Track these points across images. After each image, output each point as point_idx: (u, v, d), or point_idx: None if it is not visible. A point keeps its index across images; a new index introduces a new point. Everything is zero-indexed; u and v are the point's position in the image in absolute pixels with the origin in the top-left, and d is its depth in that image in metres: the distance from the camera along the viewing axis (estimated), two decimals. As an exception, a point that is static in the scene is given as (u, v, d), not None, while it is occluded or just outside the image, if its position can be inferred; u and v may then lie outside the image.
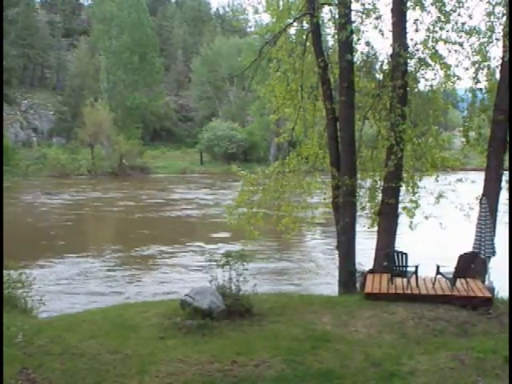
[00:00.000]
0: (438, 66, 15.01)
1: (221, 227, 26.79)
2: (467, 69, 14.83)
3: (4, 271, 12.46)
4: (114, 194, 51.72)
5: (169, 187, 58.14)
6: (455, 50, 14.69)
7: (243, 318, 11.27)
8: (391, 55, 14.62)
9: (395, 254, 13.35)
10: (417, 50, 14.85)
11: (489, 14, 14.48)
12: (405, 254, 13.19)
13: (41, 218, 37.86)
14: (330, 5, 15.93)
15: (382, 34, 14.72)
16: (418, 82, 15.44)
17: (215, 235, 29.56)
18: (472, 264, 13.49)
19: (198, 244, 27.53)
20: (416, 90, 15.54)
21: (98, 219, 39.90)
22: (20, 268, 13.91)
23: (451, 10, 14.56)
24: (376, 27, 14.76)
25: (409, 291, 12.90)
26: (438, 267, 13.38)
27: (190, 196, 50.17)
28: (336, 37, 15.16)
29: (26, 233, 32.66)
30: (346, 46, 14.48)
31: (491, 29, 14.48)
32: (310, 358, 9.27)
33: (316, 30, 15.70)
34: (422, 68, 15.12)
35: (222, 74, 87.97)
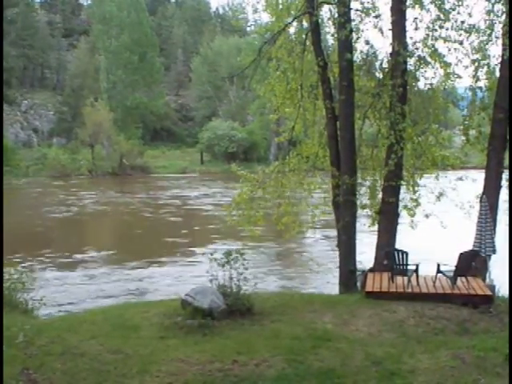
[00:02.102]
0: (437, 65, 15.01)
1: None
2: (467, 67, 14.83)
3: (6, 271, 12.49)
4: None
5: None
6: (455, 49, 14.69)
7: (244, 318, 11.27)
8: (391, 54, 14.61)
9: (396, 253, 13.35)
10: (416, 49, 14.83)
11: (488, 12, 14.47)
12: (405, 252, 13.19)
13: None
14: (329, 4, 15.92)
15: (382, 33, 14.72)
16: (418, 81, 15.45)
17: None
18: (472, 262, 13.49)
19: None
20: (416, 89, 15.54)
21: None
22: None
23: (451, 9, 14.55)
24: (375, 26, 14.75)
25: (409, 290, 12.92)
26: (438, 266, 13.40)
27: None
28: (335, 36, 15.16)
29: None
30: (346, 44, 14.47)
31: (491, 27, 14.47)
32: (311, 357, 9.27)
33: (315, 29, 15.69)
34: (422, 66, 15.11)
35: (222, 74, 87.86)
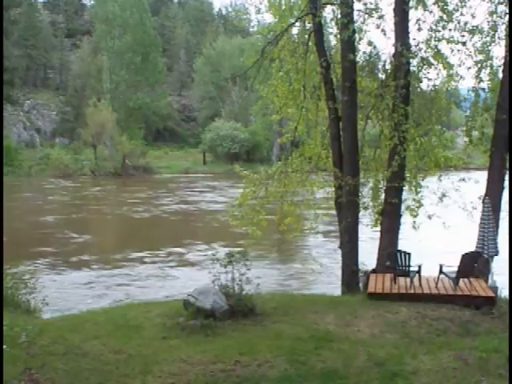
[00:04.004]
0: (440, 66, 15.00)
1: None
2: (470, 68, 14.85)
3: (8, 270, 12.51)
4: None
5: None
6: (458, 50, 14.71)
7: (246, 318, 11.27)
8: (394, 55, 14.62)
9: (398, 254, 13.34)
10: (419, 50, 14.83)
11: (491, 14, 14.49)
12: (408, 253, 13.17)
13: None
14: (332, 4, 15.91)
15: (385, 34, 14.72)
16: (421, 82, 15.41)
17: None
18: (475, 264, 13.48)
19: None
20: (419, 90, 15.50)
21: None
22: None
23: (454, 10, 14.57)
24: (378, 27, 14.75)
25: (412, 291, 12.91)
26: (440, 267, 13.39)
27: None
28: (338, 36, 15.14)
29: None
30: (349, 45, 14.47)
31: (494, 28, 14.48)
32: (313, 357, 9.26)
33: (318, 30, 15.69)
34: (425, 67, 15.09)
35: (225, 74, 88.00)
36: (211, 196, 49.46)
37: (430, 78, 15.39)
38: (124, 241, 30.62)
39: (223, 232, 28.47)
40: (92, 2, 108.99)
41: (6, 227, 33.99)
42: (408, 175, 15.51)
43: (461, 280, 13.13)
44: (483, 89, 15.21)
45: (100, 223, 37.64)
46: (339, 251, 15.69)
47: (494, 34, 14.48)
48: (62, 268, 22.60)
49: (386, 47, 15.34)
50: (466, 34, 14.59)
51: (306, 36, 16.38)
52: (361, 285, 14.74)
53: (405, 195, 15.44)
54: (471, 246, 13.75)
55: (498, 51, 14.95)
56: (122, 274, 21.46)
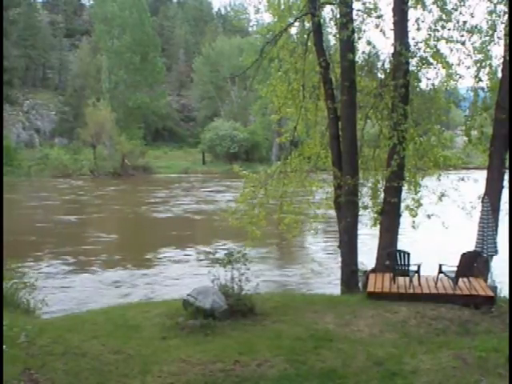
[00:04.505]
0: (439, 65, 14.99)
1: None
2: (469, 67, 14.82)
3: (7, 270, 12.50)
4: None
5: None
6: (457, 49, 14.70)
7: (245, 318, 11.27)
8: (393, 54, 14.60)
9: (397, 253, 13.34)
10: (418, 49, 14.82)
11: (490, 13, 14.48)
12: (407, 253, 13.17)
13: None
14: (331, 4, 15.91)
15: (384, 33, 14.72)
16: (420, 81, 15.41)
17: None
18: (474, 263, 13.48)
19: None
20: (418, 89, 15.50)
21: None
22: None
23: (453, 9, 14.56)
24: (377, 26, 14.76)
25: (411, 290, 12.91)
26: (440, 266, 13.39)
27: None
28: (337, 36, 15.14)
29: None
30: (348, 45, 14.46)
31: (493, 27, 14.47)
32: (313, 357, 9.26)
33: (317, 30, 15.68)
34: (424, 67, 15.09)
35: (224, 74, 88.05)
36: (229, 195, 49.64)
37: (429, 78, 15.42)
38: (152, 240, 30.52)
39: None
40: (91, 2, 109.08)
41: (32, 225, 34.19)
42: (407, 175, 15.51)
43: (460, 279, 13.13)
44: (482, 88, 15.21)
45: (124, 223, 37.52)
46: (338, 251, 15.70)
47: (492, 34, 14.47)
48: (91, 267, 22.77)
49: (385, 47, 15.40)
50: (465, 33, 14.58)
51: (305, 36, 16.38)
52: (360, 284, 14.75)
53: (404, 195, 15.44)
54: (470, 246, 13.75)
55: (497, 50, 14.98)
56: (151, 273, 21.52)
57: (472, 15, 14.52)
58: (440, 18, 14.53)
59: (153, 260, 24.17)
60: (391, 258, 13.41)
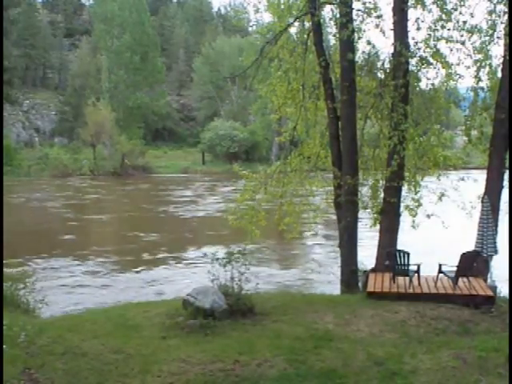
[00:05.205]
0: (439, 65, 14.99)
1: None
2: (469, 67, 14.82)
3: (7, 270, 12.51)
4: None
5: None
6: (457, 49, 14.69)
7: (245, 318, 11.26)
8: (392, 54, 14.60)
9: (397, 253, 13.34)
10: (418, 49, 14.82)
11: (490, 13, 14.47)
12: (407, 252, 13.18)
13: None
14: (331, 4, 15.91)
15: (384, 33, 14.72)
16: (420, 81, 15.41)
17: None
18: (474, 263, 13.48)
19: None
20: (418, 89, 15.50)
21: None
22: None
23: (452, 9, 14.55)
24: (377, 26, 14.75)
25: (411, 290, 12.92)
26: (440, 266, 13.40)
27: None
28: (337, 36, 15.14)
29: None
30: (348, 45, 14.47)
31: (493, 27, 14.47)
32: (313, 357, 9.26)
33: (317, 30, 15.68)
34: (424, 67, 15.09)
35: (224, 74, 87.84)
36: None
37: (429, 78, 15.41)
38: (191, 238, 30.69)
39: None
40: (91, 2, 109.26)
41: (66, 223, 34.26)
42: (407, 174, 15.51)
43: (460, 279, 13.14)
44: (482, 88, 15.21)
45: (158, 222, 37.37)
46: (338, 250, 15.69)
47: (492, 34, 14.47)
48: (135, 266, 23.08)
49: (385, 46, 15.34)
50: (464, 33, 14.57)
51: (305, 35, 16.38)
52: (360, 284, 14.74)
53: (404, 194, 15.44)
54: (470, 246, 13.75)
55: (497, 50, 15.00)
56: (194, 271, 21.57)
57: (472, 15, 14.53)
58: (440, 18, 14.53)
59: (194, 258, 24.20)
60: (391, 258, 13.41)
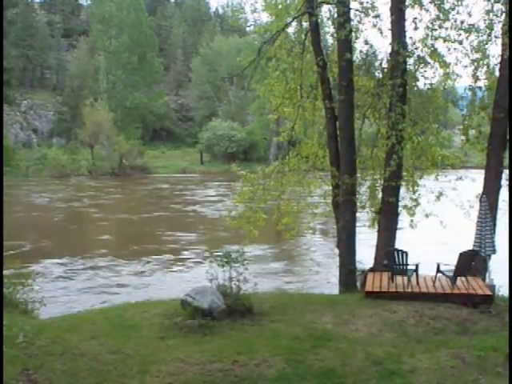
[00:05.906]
0: (437, 64, 15.01)
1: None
2: (466, 67, 14.83)
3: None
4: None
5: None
6: (454, 48, 14.69)
7: (244, 318, 11.26)
8: (390, 54, 14.60)
9: (395, 253, 13.34)
10: (416, 49, 14.83)
11: (488, 12, 14.47)
12: (405, 252, 13.18)
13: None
14: (328, 4, 15.91)
15: (381, 33, 14.71)
16: (418, 81, 15.43)
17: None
18: (472, 262, 13.49)
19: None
20: (415, 89, 15.52)
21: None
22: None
23: (450, 8, 14.55)
24: (375, 26, 14.73)
25: (409, 290, 12.91)
26: (438, 265, 13.39)
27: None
28: (335, 36, 15.15)
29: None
30: (345, 44, 14.47)
31: (490, 26, 14.46)
32: (311, 356, 9.26)
33: (315, 29, 15.69)
34: (422, 66, 15.11)
35: (222, 74, 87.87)
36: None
37: (427, 77, 15.42)
38: (229, 237, 30.17)
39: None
40: (88, 2, 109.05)
41: (97, 223, 34.42)
42: (405, 174, 15.51)
43: (458, 278, 13.13)
44: (480, 87, 15.21)
45: (190, 221, 37.46)
46: (336, 250, 15.70)
47: (490, 33, 14.46)
48: (175, 266, 23.32)
49: (383, 46, 15.41)
50: (462, 32, 14.57)
51: (303, 35, 16.38)
52: (358, 284, 14.75)
53: (402, 194, 15.44)
54: (468, 245, 13.75)
55: (495, 50, 15.01)
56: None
57: (469, 14, 14.54)
58: (437, 18, 14.54)
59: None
60: (389, 258, 13.41)
